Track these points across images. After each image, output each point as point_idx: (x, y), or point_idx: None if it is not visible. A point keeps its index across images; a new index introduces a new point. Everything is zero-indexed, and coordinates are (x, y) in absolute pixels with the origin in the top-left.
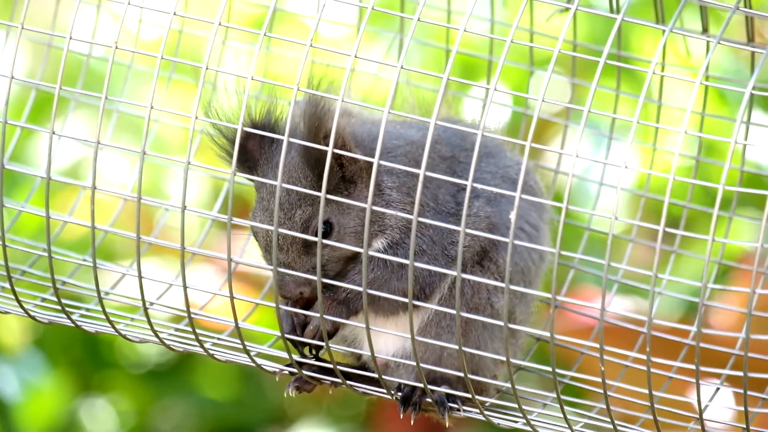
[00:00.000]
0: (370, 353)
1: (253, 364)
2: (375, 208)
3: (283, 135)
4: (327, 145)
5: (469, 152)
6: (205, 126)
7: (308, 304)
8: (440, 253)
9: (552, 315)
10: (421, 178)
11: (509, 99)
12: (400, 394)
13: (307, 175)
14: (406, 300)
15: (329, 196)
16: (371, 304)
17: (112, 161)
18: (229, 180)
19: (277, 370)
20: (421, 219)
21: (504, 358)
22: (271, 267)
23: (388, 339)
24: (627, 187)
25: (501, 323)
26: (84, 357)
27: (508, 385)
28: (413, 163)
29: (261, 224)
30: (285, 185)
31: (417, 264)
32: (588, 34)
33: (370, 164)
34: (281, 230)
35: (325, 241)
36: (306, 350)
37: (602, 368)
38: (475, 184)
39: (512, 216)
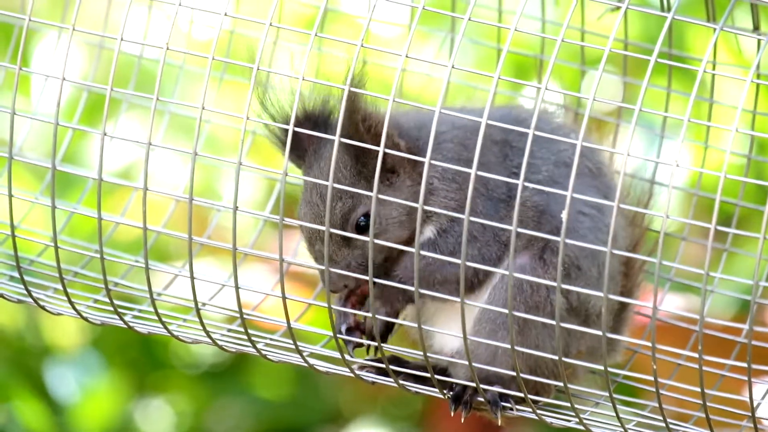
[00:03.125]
0: (428, 349)
1: (305, 365)
2: (427, 207)
3: (332, 128)
4: (368, 131)
5: (522, 136)
6: (257, 126)
7: (363, 298)
8: (492, 238)
9: (604, 313)
10: (474, 165)
11: (561, 98)
12: (451, 392)
13: (347, 164)
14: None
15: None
16: (427, 289)
17: (164, 162)
18: (281, 180)
19: (328, 369)
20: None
21: (556, 357)
22: (316, 263)
23: (443, 338)
24: (679, 185)
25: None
26: (140, 357)
27: (561, 383)
28: (460, 147)
29: (308, 223)
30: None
31: (468, 260)
32: (642, 32)
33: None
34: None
35: (377, 241)
36: (363, 349)
37: (654, 367)
38: (530, 171)
39: (564, 215)
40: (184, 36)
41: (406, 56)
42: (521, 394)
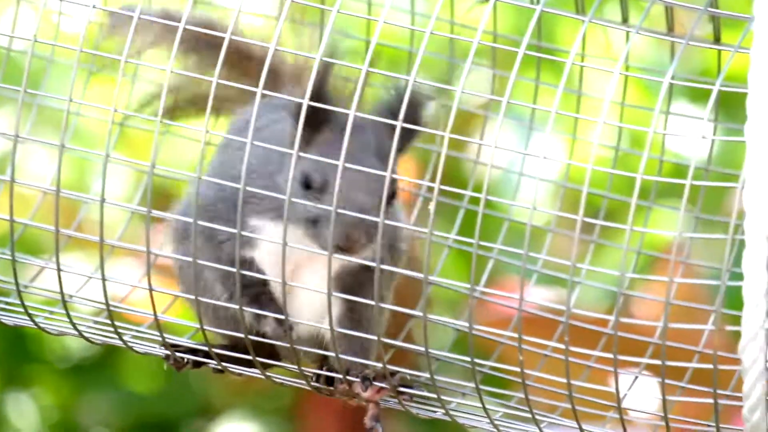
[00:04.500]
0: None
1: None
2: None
3: None
4: None
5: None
6: (125, 118)
7: None
8: None
9: (471, 305)
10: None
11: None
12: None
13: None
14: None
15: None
16: None
17: (35, 155)
18: (149, 173)
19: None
20: None
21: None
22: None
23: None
24: (550, 177)
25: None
26: (8, 351)
27: (428, 375)
28: None
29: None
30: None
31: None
32: (513, 25)
33: None
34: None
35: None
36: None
37: (521, 358)
38: None
39: (431, 207)
40: (53, 28)
41: (276, 48)
42: (386, 385)
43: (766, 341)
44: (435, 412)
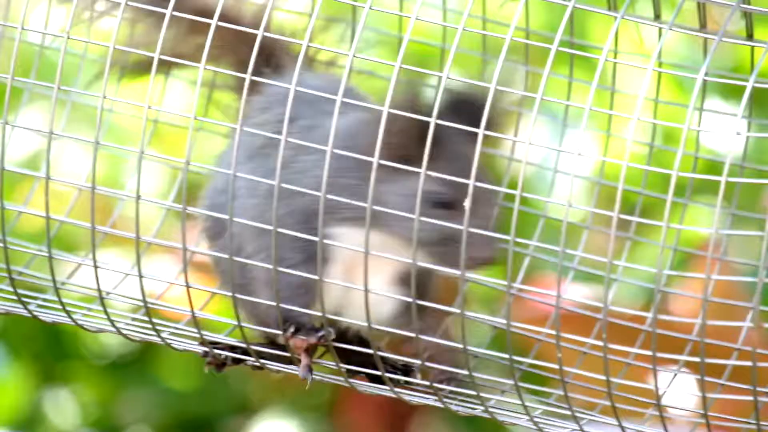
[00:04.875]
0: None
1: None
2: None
3: None
4: None
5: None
6: (158, 114)
7: None
8: None
9: (509, 302)
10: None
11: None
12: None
13: None
14: None
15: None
16: None
17: (69, 152)
18: (183, 169)
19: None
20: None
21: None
22: None
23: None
24: (584, 174)
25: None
26: (47, 348)
27: (466, 372)
28: None
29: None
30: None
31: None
32: (547, 22)
33: None
34: None
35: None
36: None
37: (559, 355)
38: None
39: (466, 203)
40: (86, 25)
41: (308, 45)
42: (426, 382)
43: None
44: (475, 409)
